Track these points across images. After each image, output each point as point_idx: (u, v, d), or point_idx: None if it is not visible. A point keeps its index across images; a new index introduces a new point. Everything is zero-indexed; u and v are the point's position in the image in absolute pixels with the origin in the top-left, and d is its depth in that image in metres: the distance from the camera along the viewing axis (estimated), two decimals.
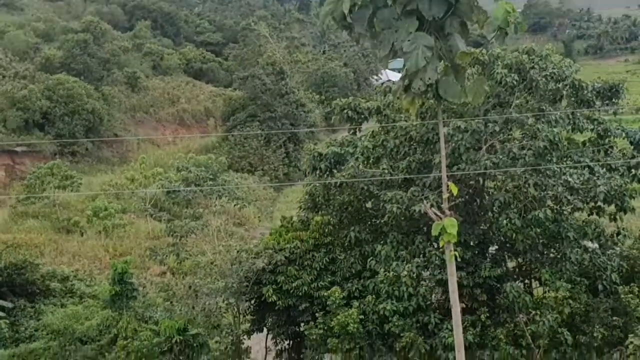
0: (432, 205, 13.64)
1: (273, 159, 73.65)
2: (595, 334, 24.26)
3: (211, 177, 63.17)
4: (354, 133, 29.72)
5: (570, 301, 24.42)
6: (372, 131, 28.57)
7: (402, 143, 26.91)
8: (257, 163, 73.36)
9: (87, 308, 40.66)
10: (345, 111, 28.76)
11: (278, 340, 29.83)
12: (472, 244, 25.90)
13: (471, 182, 25.77)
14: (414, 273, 24.78)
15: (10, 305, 39.03)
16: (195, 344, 27.82)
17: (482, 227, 26.43)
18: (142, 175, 60.76)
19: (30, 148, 67.76)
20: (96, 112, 73.82)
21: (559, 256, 25.56)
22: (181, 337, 27.54)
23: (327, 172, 28.88)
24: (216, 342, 29.30)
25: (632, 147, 27.97)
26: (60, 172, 58.50)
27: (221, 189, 61.17)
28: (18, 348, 36.94)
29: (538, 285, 27.17)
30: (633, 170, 27.17)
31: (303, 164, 34.04)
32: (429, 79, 12.55)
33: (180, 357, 27.79)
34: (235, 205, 60.15)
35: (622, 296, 25.10)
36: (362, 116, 28.90)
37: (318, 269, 28.14)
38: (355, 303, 25.94)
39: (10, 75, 74.78)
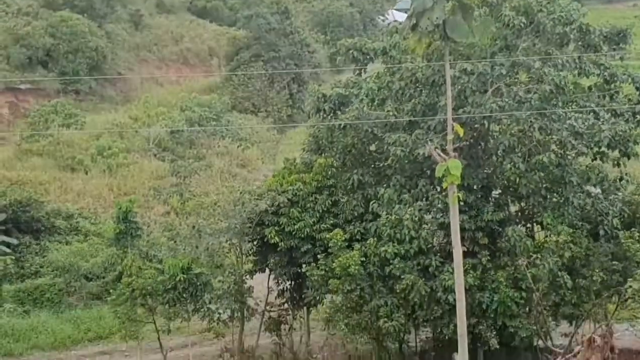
0: (436, 148, 13.64)
1: (277, 100, 73.12)
2: (594, 278, 24.53)
3: (214, 117, 62.90)
4: (359, 74, 29.49)
5: (571, 245, 24.59)
6: (378, 73, 28.34)
7: (408, 85, 26.71)
8: (261, 104, 72.85)
9: (92, 246, 41.10)
10: (351, 52, 28.51)
11: (280, 281, 30.14)
12: (475, 187, 25.93)
13: (476, 126, 25.65)
14: (416, 216, 24.86)
15: (15, 241, 39.40)
16: (198, 283, 28.15)
17: (485, 171, 26.43)
18: (146, 114, 60.56)
19: (34, 85, 67.28)
20: (100, 50, 73.10)
21: (561, 201, 25.63)
22: (185, 276, 27.83)
23: (331, 114, 28.74)
24: (219, 281, 29.62)
25: (637, 92, 27.76)
26: (64, 110, 58.33)
27: (224, 130, 61.01)
28: (24, 284, 37.48)
29: (540, 229, 27.31)
30: (638, 116, 27.04)
31: (307, 105, 33.83)
32: (437, 18, 12.41)
33: (184, 295, 28.15)
34: (238, 146, 60.12)
35: (623, 241, 25.30)
36: (368, 57, 28.65)
37: (320, 211, 28.24)
38: (357, 245, 26.09)
39: (13, 12, 73.86)
